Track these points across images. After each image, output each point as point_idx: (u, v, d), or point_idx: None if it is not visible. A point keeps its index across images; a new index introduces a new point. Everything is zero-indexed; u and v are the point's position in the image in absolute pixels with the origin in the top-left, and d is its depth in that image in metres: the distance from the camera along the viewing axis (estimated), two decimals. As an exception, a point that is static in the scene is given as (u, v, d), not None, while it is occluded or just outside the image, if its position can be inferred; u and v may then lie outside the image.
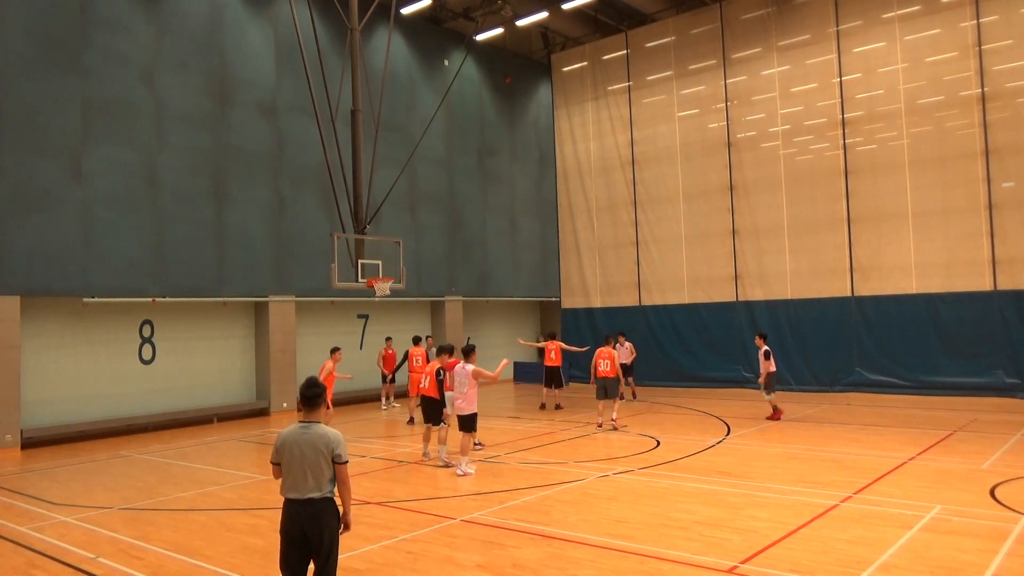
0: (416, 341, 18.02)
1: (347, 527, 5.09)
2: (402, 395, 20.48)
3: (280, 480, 5.01)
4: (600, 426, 14.61)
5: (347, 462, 5.01)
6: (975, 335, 17.34)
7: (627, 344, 19.03)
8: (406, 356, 18.01)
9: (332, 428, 5.07)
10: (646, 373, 21.96)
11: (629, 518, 8.12)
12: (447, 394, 11.91)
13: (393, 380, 19.87)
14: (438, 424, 11.79)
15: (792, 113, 20.22)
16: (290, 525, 4.87)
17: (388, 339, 20.19)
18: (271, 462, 5.08)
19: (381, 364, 19.79)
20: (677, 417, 16.01)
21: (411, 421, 16.87)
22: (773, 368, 15.16)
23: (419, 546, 7.37)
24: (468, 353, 11.20)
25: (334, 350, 14.23)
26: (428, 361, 16.03)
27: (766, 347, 15.24)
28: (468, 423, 10.95)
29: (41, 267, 15.27)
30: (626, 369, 18.24)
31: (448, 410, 11.91)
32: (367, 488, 10.14)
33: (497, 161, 26.85)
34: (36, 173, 15.28)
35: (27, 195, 15.14)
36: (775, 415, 15.20)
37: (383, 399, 20.14)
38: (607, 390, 14.45)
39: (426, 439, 12.15)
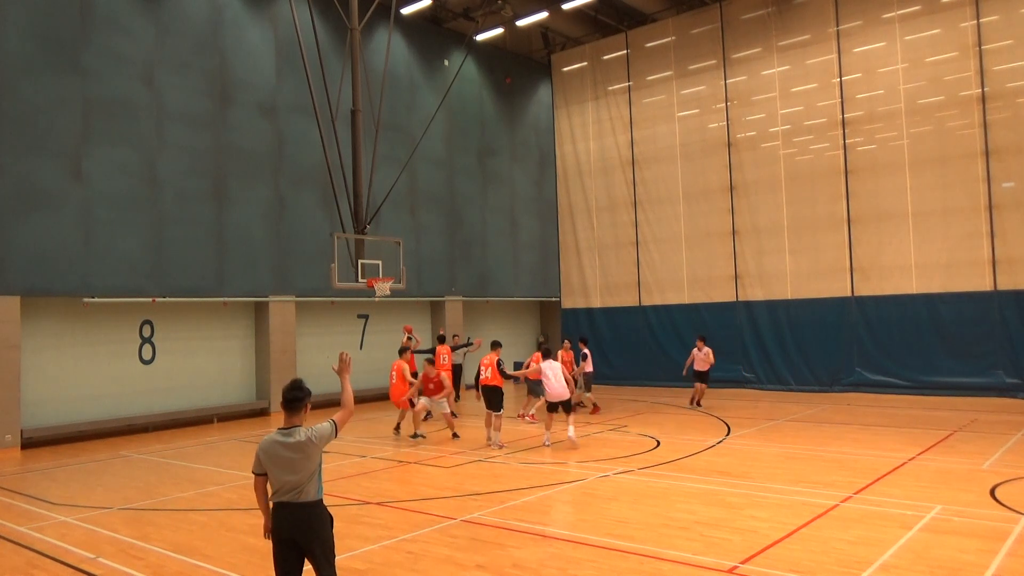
0: (441, 340, 18.08)
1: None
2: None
3: (258, 488, 4.95)
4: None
5: (334, 426, 4.95)
6: (975, 335, 17.34)
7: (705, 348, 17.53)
8: (432, 351, 17.86)
9: (309, 426, 4.92)
10: (646, 373, 21.99)
11: (629, 518, 8.12)
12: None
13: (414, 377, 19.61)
14: (499, 410, 12.95)
15: (792, 113, 20.21)
16: (281, 531, 4.81)
17: (409, 338, 19.75)
18: (253, 472, 4.96)
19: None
20: (677, 417, 16.00)
21: (428, 416, 16.93)
22: (590, 369, 17.04)
23: (419, 546, 7.37)
24: (548, 353, 13.20)
25: (403, 351, 15.12)
26: (452, 359, 17.34)
27: (587, 350, 17.23)
28: (568, 405, 12.78)
29: (41, 267, 15.27)
30: (700, 375, 17.50)
31: (438, 410, 14.00)
32: (367, 488, 10.15)
33: (497, 161, 26.85)
34: (36, 173, 15.28)
35: (27, 195, 15.13)
36: (595, 410, 16.75)
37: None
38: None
39: (488, 424, 13.17)
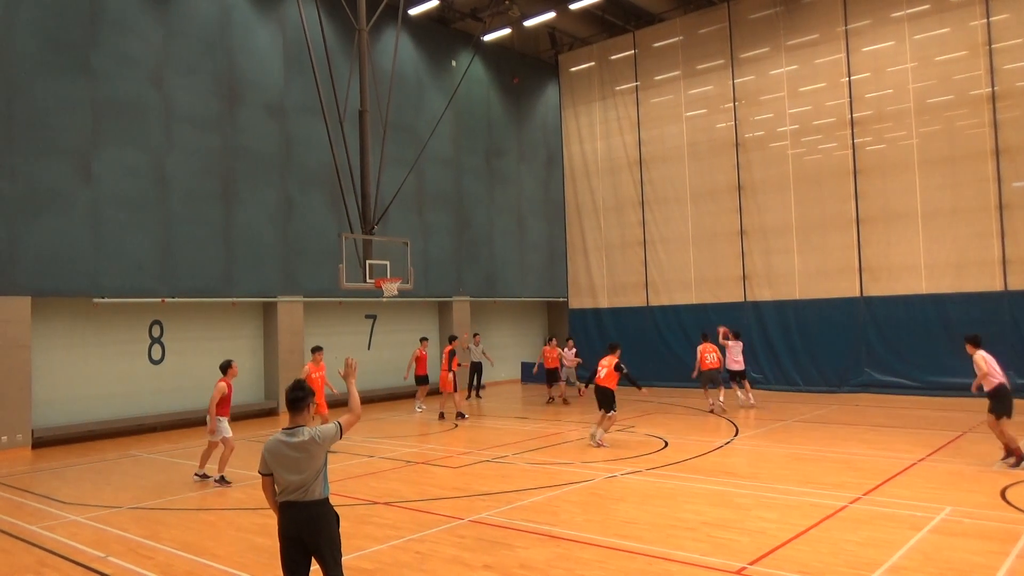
0: (451, 339, 18.15)
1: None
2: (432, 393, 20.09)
3: (266, 488, 4.97)
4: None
5: (340, 427, 4.93)
6: (985, 335, 17.09)
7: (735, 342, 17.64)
8: (452, 355, 17.55)
9: (313, 426, 4.94)
10: (654, 373, 21.90)
11: (637, 519, 8.11)
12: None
13: (426, 382, 19.18)
14: (610, 411, 12.69)
15: (800, 113, 20.14)
16: (288, 529, 4.83)
17: (423, 339, 19.39)
18: (260, 473, 4.98)
19: (414, 365, 18.96)
20: (685, 417, 15.97)
21: (442, 416, 16.95)
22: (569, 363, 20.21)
23: (427, 546, 7.38)
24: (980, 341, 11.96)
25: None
26: (452, 358, 17.38)
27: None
28: None
29: (51, 268, 15.36)
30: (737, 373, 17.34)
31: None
32: (374, 488, 10.17)
33: (504, 161, 26.85)
34: (46, 174, 15.38)
35: (37, 196, 15.23)
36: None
37: (417, 401, 19.45)
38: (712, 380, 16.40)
39: (599, 423, 12.94)
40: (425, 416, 18.09)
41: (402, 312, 23.60)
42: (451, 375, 17.08)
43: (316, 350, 14.03)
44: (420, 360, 19.02)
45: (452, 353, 17.46)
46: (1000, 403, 10.31)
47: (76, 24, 15.98)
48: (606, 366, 12.93)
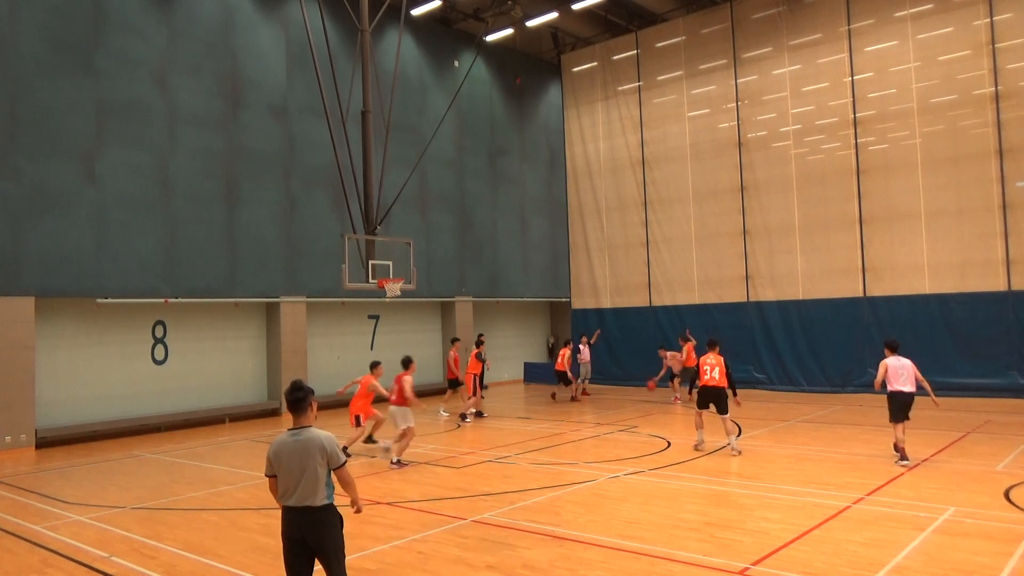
0: (479, 343, 18.06)
1: (359, 511, 5.34)
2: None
3: (273, 489, 4.97)
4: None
5: (345, 463, 4.94)
6: (989, 336, 17.19)
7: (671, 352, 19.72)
8: (480, 357, 17.30)
9: (324, 431, 4.94)
10: (657, 373, 21.89)
11: (640, 519, 8.10)
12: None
13: (459, 384, 18.09)
14: (726, 413, 11.79)
15: (803, 112, 20.11)
16: (290, 532, 4.85)
17: (455, 340, 18.59)
18: (266, 475, 4.99)
19: (454, 367, 18.08)
20: (688, 418, 15.94)
21: (464, 417, 16.85)
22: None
23: (430, 546, 7.39)
24: (895, 347, 11.15)
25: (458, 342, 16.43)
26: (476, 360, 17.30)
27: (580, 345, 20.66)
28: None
29: (55, 268, 15.41)
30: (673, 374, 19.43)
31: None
32: (377, 488, 10.17)
33: (507, 161, 26.87)
34: (50, 175, 15.42)
35: (41, 197, 15.27)
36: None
37: (443, 405, 18.58)
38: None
39: (700, 426, 12.17)
40: (427, 416, 18.05)
41: (405, 312, 23.62)
42: (473, 377, 16.98)
43: (375, 365, 13.33)
44: (453, 363, 18.19)
45: (478, 355, 17.32)
46: (889, 408, 10.80)
47: (80, 25, 16.02)
48: (715, 364, 11.91)
